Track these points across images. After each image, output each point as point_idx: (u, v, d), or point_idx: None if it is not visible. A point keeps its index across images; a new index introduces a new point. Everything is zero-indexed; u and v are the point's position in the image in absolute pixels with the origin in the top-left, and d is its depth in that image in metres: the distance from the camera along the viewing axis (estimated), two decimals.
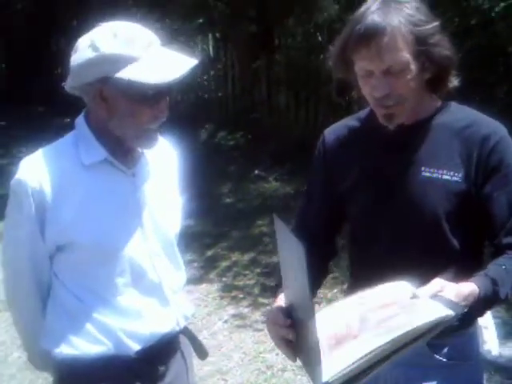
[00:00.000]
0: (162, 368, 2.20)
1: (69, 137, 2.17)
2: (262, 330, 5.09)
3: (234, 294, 5.84)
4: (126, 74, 1.98)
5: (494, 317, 4.84)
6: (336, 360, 1.59)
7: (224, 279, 6.16)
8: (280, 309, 1.85)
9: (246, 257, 6.60)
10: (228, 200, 8.42)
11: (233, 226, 7.35)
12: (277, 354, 4.71)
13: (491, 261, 1.94)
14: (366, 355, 1.58)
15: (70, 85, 2.10)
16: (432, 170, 1.95)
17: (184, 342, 2.30)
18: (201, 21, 12.61)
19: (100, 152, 2.10)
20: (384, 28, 1.84)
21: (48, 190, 2.04)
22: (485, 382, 4.01)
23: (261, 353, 4.80)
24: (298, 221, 2.24)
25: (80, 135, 2.14)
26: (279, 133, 9.54)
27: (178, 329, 2.24)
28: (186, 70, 2.00)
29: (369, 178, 2.04)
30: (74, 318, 2.10)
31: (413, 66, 1.88)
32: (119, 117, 2.06)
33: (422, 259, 1.94)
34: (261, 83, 10.70)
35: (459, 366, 2.03)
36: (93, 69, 2.02)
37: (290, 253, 1.66)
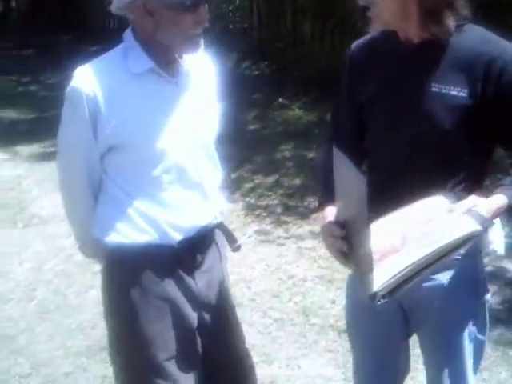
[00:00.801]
0: (199, 257, 2.42)
1: (118, 49, 2.34)
2: (283, 245, 5.37)
3: (257, 212, 6.08)
4: None
5: (509, 236, 5.07)
6: (382, 271, 1.81)
7: (248, 199, 6.40)
8: (334, 222, 2.07)
9: (269, 179, 6.81)
10: (252, 127, 8.59)
11: (257, 151, 7.55)
12: (297, 266, 4.99)
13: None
14: (408, 266, 1.79)
15: (115, 6, 2.30)
16: (441, 86, 2.09)
17: (219, 234, 2.53)
18: None
19: (147, 62, 2.27)
20: None
21: (100, 96, 2.22)
22: (493, 293, 4.28)
23: (283, 264, 5.06)
24: (331, 127, 2.46)
25: (128, 47, 2.31)
26: (304, 63, 9.63)
27: (215, 222, 2.45)
28: None
29: (385, 90, 2.21)
30: (122, 211, 2.31)
31: None
32: (164, 27, 2.24)
33: (434, 166, 2.12)
34: (286, 13, 10.74)
35: (461, 262, 2.19)
36: None
37: (349, 181, 1.87)
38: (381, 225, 1.97)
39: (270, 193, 6.50)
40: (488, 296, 2.31)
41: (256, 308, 4.45)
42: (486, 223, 1.88)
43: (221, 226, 2.53)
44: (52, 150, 7.24)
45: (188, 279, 2.40)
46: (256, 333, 4.16)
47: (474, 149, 2.15)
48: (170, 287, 2.37)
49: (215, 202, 2.46)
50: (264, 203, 6.28)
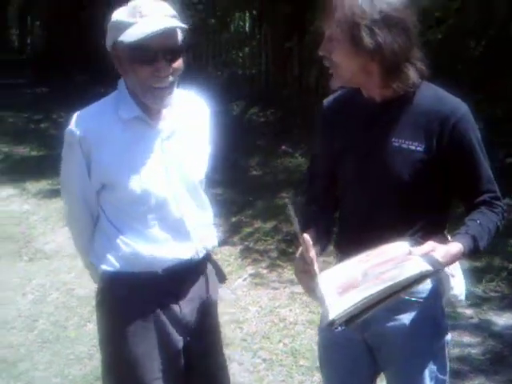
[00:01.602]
0: (183, 286, 2.62)
1: (111, 96, 2.58)
2: (277, 289, 5.57)
3: (254, 256, 6.30)
4: (122, 37, 2.38)
5: (495, 291, 5.26)
6: (340, 303, 2.06)
7: (246, 243, 6.62)
8: (300, 258, 2.29)
9: (268, 225, 7.03)
10: (255, 172, 8.85)
11: (258, 197, 7.77)
12: (290, 310, 5.17)
13: (466, 215, 2.35)
14: (363, 299, 2.03)
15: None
16: (401, 141, 2.33)
17: (209, 268, 2.74)
18: None
19: (135, 109, 2.49)
20: (335, 5, 2.27)
21: (92, 138, 2.47)
22: (476, 344, 4.46)
23: (275, 308, 5.25)
24: (307, 181, 2.68)
25: (120, 95, 2.54)
26: (308, 111, 9.88)
27: (197, 257, 2.61)
28: (160, 28, 2.34)
29: (351, 145, 2.43)
30: (112, 242, 2.53)
31: (344, 44, 2.27)
32: (129, 76, 2.47)
33: (395, 215, 2.34)
34: (293, 62, 11.03)
35: (422, 304, 2.41)
36: (109, 35, 2.47)
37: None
38: (348, 264, 2.22)
39: (267, 238, 6.72)
40: (448, 337, 2.50)
41: (246, 348, 4.64)
42: (437, 265, 2.08)
43: (210, 260, 2.73)
44: (58, 187, 7.47)
45: (172, 305, 2.59)
46: (244, 371, 4.35)
47: (431, 200, 2.37)
48: (155, 311, 2.57)
49: (198, 238, 2.62)
50: (261, 247, 6.50)
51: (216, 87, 12.03)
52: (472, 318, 5.04)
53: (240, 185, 8.12)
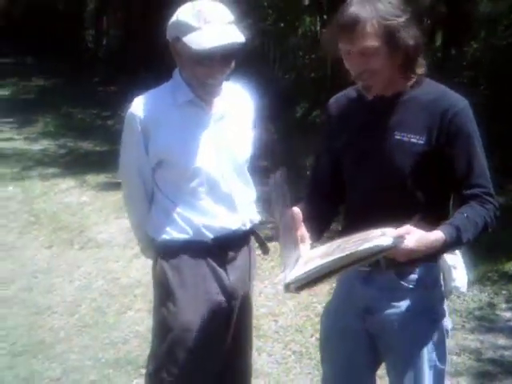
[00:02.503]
0: (231, 253, 2.87)
1: (168, 83, 2.88)
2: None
3: None
4: (187, 39, 2.65)
5: None
6: (300, 269, 2.15)
7: None
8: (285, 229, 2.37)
9: None
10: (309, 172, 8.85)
11: None
12: None
13: (456, 209, 2.38)
14: (319, 266, 2.10)
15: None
16: (402, 134, 2.39)
17: (253, 242, 3.00)
18: (307, 3, 13.07)
19: (188, 94, 2.79)
20: (357, 19, 2.27)
21: (150, 119, 2.75)
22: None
23: (312, 303, 5.29)
24: (310, 178, 2.75)
25: (175, 82, 2.83)
26: None
27: (243, 228, 2.89)
28: (224, 43, 2.61)
29: (354, 138, 2.50)
30: (168, 215, 2.82)
31: (382, 50, 2.29)
32: (186, 69, 2.77)
33: (393, 206, 2.37)
34: None
35: (421, 292, 2.45)
36: (171, 30, 2.74)
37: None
38: (333, 242, 2.27)
39: None
40: (448, 327, 2.52)
41: (278, 340, 4.71)
42: (396, 240, 2.10)
43: (254, 234, 2.99)
44: (116, 181, 7.69)
45: (220, 270, 2.85)
46: (273, 362, 4.42)
47: (430, 192, 2.41)
48: (204, 271, 2.82)
49: (244, 212, 2.89)
50: None
51: (282, 89, 12.13)
52: (510, 320, 4.99)
53: (293, 183, 8.14)
